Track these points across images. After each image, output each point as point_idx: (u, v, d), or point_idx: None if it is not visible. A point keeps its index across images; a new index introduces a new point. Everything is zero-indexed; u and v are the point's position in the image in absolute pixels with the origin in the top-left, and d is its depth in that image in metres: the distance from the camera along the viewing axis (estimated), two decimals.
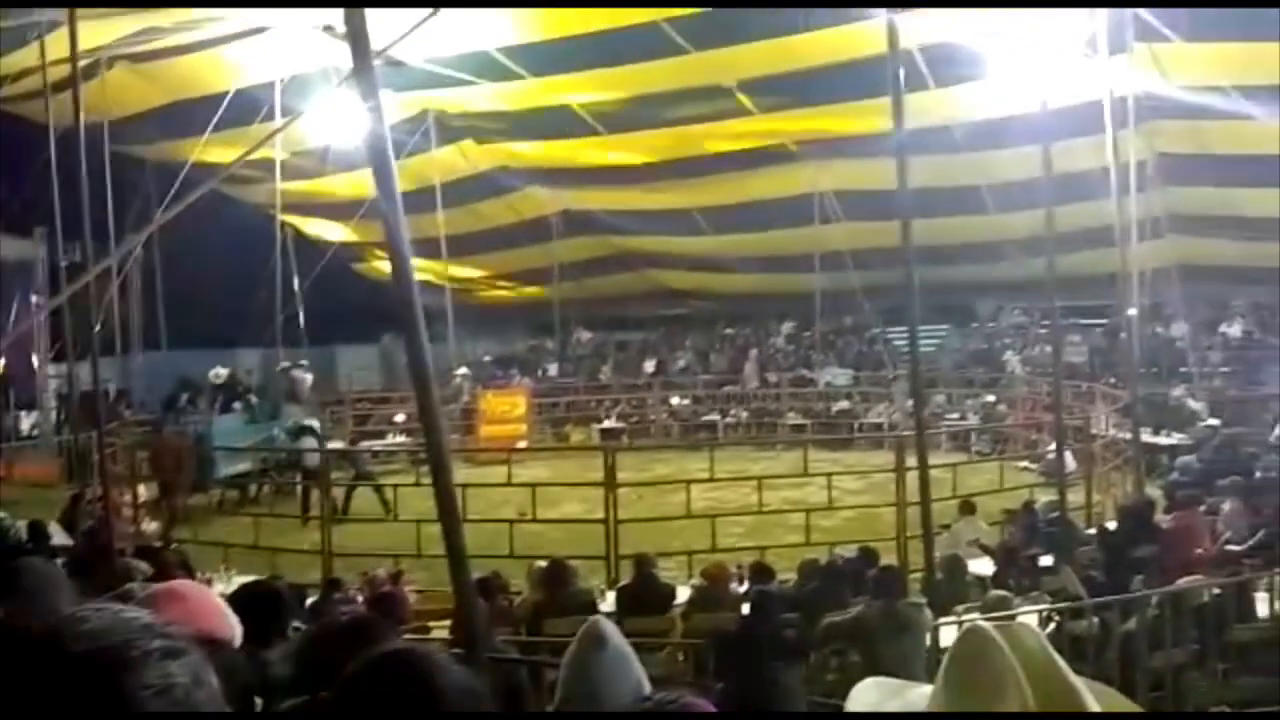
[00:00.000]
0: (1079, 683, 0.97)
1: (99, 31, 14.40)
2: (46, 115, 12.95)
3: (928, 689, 1.10)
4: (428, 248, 21.30)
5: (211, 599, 2.29)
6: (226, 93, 16.77)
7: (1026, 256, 18.46)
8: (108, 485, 11.95)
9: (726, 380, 25.87)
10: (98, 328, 11.38)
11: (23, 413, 21.57)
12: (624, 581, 9.77)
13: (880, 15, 9.66)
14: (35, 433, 21.42)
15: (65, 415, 20.88)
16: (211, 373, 20.08)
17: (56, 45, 12.74)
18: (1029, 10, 13.21)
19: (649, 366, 27.88)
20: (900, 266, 8.43)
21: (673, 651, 8.37)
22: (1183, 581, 7.82)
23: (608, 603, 9.01)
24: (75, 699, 0.77)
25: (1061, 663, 1.00)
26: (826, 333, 26.47)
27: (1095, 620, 7.41)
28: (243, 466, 16.94)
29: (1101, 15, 13.12)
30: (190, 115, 17.91)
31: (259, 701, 2.65)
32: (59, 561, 9.05)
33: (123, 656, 0.79)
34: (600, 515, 11.52)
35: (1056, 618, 7.42)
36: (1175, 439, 17.10)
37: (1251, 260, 20.20)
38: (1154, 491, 12.56)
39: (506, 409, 22.48)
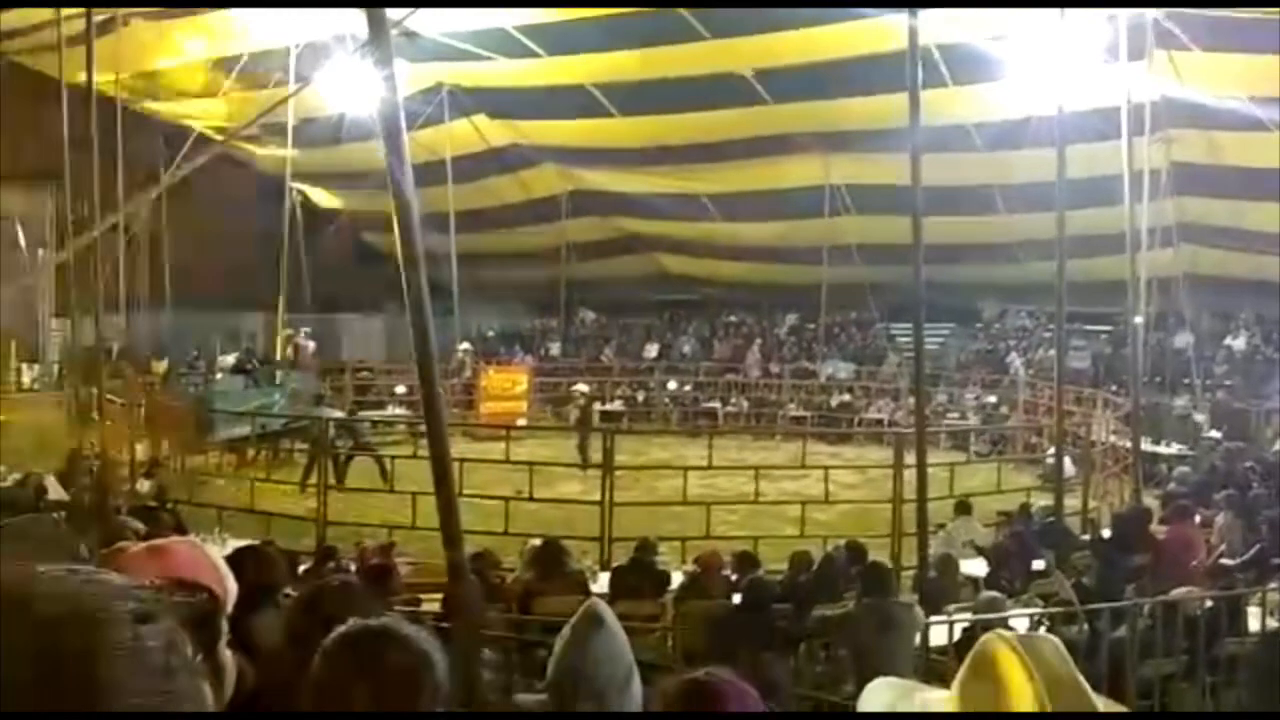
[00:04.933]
0: (1097, 699, 0.96)
1: None
2: (60, 70, 12.90)
3: (942, 693, 1.09)
4: (435, 222, 21.30)
5: (205, 557, 2.26)
6: (241, 55, 16.69)
7: (1035, 259, 18.40)
8: (105, 443, 11.99)
9: (728, 368, 25.85)
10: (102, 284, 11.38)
11: (25, 366, 21.58)
12: (617, 564, 9.77)
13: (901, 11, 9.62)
14: (36, 386, 21.44)
15: (67, 370, 20.91)
16: (221, 359, 20.02)
17: None
18: (1051, 11, 13.12)
19: (651, 351, 27.87)
20: (908, 262, 8.41)
21: (662, 636, 8.37)
22: (1176, 592, 7.81)
23: (600, 584, 9.01)
24: (43, 660, 0.76)
25: (1080, 676, 0.98)
26: (830, 325, 26.45)
27: (1086, 626, 7.41)
28: (241, 430, 16.94)
29: (1121, 21, 13.05)
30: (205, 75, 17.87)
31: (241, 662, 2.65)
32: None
33: (94, 618, 0.78)
34: (596, 497, 11.52)
35: (1047, 622, 7.41)
36: (1175, 449, 17.08)
37: (1259, 273, 20.17)
38: (1151, 501, 12.55)
39: (508, 386, 22.49)
